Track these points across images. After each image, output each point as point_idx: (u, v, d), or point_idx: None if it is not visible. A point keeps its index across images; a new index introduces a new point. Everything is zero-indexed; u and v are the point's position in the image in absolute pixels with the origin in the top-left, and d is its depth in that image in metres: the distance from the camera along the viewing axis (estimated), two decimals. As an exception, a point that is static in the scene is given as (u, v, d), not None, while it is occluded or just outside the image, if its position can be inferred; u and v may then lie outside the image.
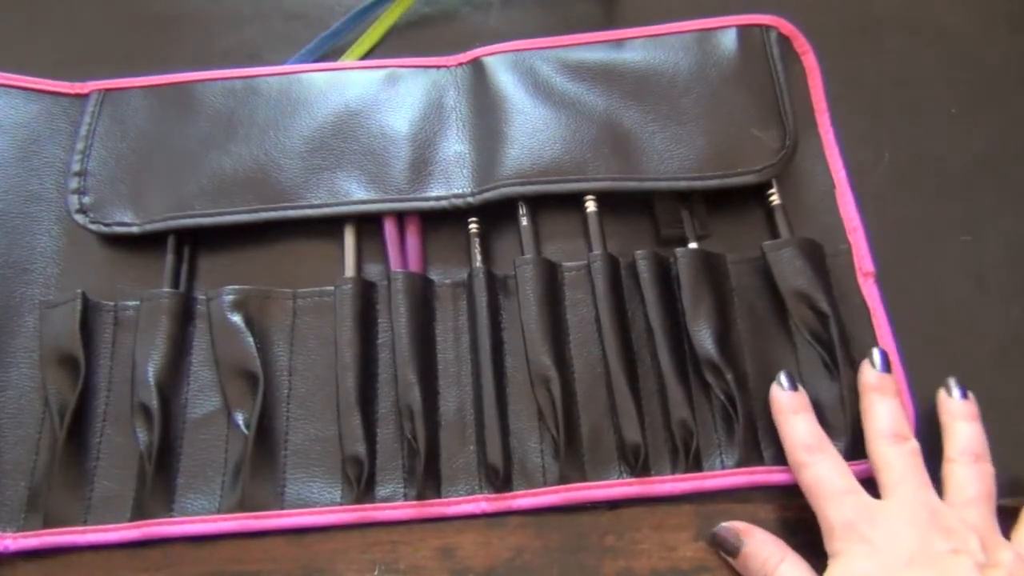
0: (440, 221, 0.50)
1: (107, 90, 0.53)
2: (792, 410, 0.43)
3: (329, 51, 0.57)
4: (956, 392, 0.43)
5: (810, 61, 0.53)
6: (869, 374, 0.43)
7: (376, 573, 0.42)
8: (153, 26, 0.57)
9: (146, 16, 0.58)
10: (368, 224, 0.50)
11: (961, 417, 0.42)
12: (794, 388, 0.43)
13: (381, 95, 0.52)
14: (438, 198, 0.49)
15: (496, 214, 0.50)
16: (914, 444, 0.41)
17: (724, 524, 0.42)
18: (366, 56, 0.57)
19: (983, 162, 0.51)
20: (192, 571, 0.43)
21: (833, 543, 0.39)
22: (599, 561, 0.43)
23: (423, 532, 0.43)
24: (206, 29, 0.56)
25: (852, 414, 0.43)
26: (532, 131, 0.50)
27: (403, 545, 0.43)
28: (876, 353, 0.43)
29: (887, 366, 0.43)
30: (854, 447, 0.43)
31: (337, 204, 0.49)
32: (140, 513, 0.43)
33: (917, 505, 0.39)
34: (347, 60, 0.56)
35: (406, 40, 0.57)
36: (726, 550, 0.42)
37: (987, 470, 0.40)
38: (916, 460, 0.40)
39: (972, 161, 0.51)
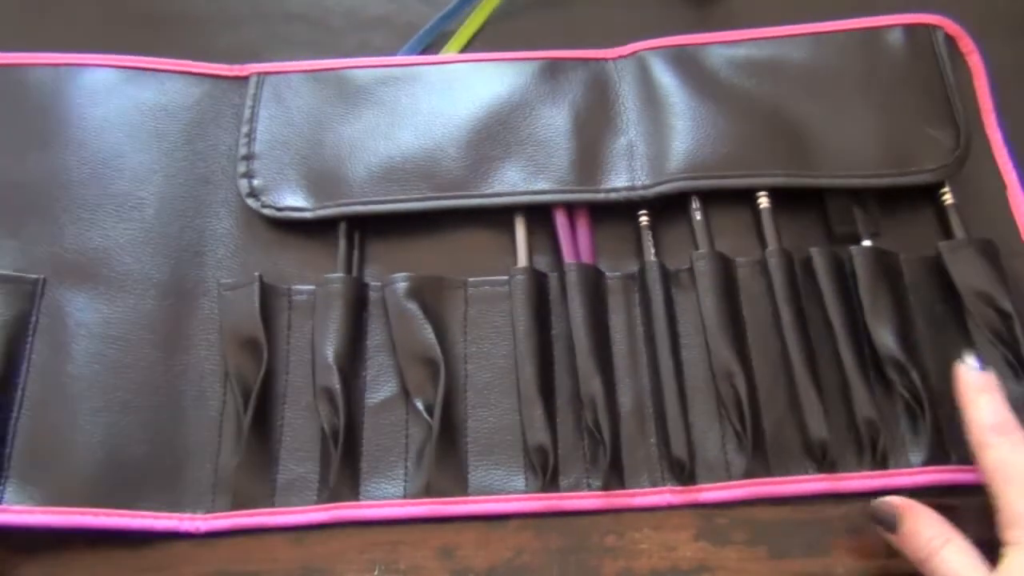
0: (605, 213, 0.50)
1: (266, 73, 0.53)
2: (979, 389, 0.40)
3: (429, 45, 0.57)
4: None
5: (975, 61, 0.53)
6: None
7: (376, 573, 0.42)
8: (153, 26, 0.56)
9: (146, 16, 0.57)
10: (534, 215, 0.50)
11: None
12: (984, 367, 0.41)
13: (543, 86, 0.52)
14: (611, 190, 0.49)
15: (663, 208, 0.50)
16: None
17: (882, 499, 0.41)
18: (465, 49, 0.57)
19: None
20: (192, 571, 0.42)
21: (1012, 531, 0.37)
22: (599, 561, 0.43)
23: (423, 532, 0.43)
24: (206, 29, 0.56)
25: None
26: (702, 125, 0.50)
27: (403, 545, 0.43)
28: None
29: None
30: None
31: (509, 194, 0.49)
32: (328, 496, 0.43)
33: None
34: (448, 53, 0.57)
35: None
36: (884, 526, 0.40)
37: None
38: None
39: None
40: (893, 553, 0.41)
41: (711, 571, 0.42)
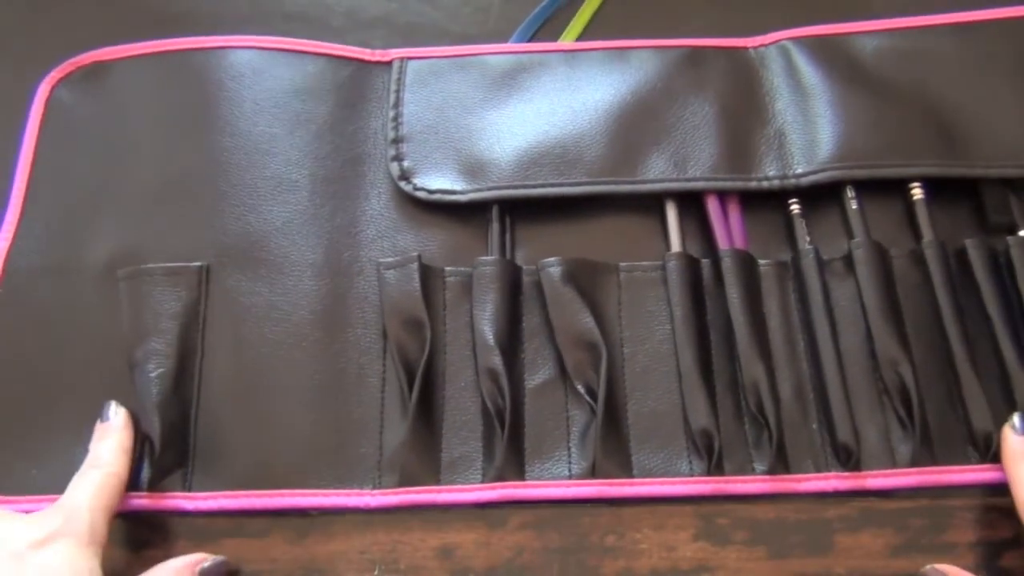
0: (752, 202, 0.50)
1: (408, 58, 0.54)
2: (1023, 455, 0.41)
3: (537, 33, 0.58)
4: None
5: (1120, 53, 0.53)
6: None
7: (376, 573, 0.42)
8: (153, 26, 0.56)
9: (146, 16, 0.58)
10: (682, 202, 0.50)
11: None
12: None
13: (686, 75, 0.52)
14: (764, 178, 0.49)
15: (813, 196, 0.50)
16: None
17: (931, 567, 0.41)
18: (581, 37, 0.57)
19: None
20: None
21: None
22: (599, 561, 0.43)
23: (423, 532, 0.43)
24: (206, 29, 0.56)
25: None
26: (852, 114, 0.50)
27: (403, 545, 0.43)
28: (1017, 419, 0.42)
29: None
30: None
31: (662, 180, 0.49)
32: (495, 475, 0.43)
33: None
34: (567, 37, 0.57)
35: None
36: None
37: None
38: None
39: None
40: (893, 553, 0.41)
41: (711, 571, 0.42)
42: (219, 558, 0.41)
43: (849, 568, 0.42)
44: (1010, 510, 0.40)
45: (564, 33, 0.57)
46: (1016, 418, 0.42)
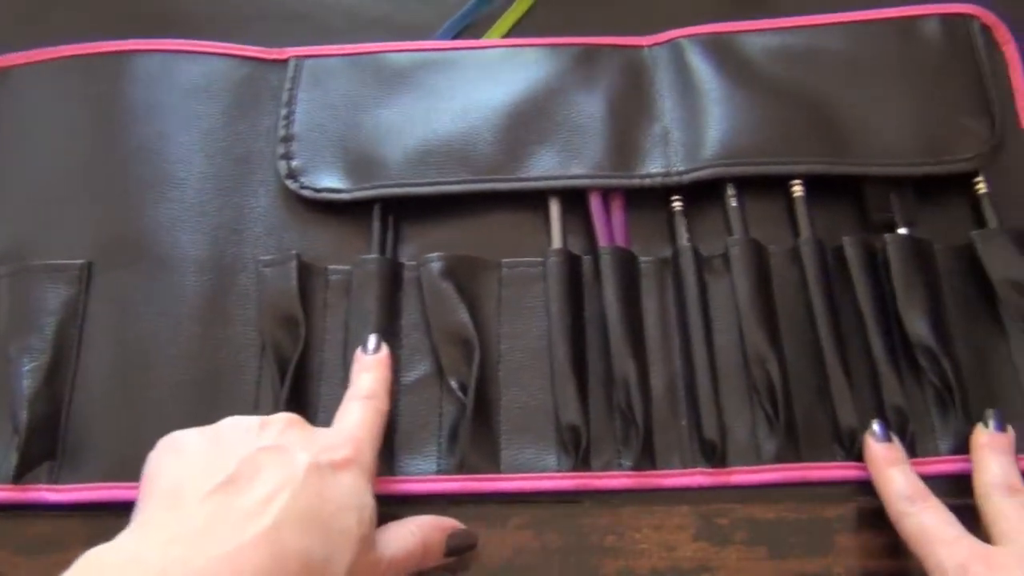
0: (639, 198, 0.50)
1: (304, 57, 0.54)
2: (888, 462, 0.41)
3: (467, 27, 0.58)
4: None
5: (1011, 51, 0.53)
6: (981, 434, 0.42)
7: None
8: (153, 26, 0.56)
9: (146, 16, 0.58)
10: (568, 199, 0.50)
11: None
12: (888, 439, 0.42)
13: (579, 72, 0.53)
14: (647, 176, 0.49)
15: (696, 194, 0.50)
16: None
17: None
18: (507, 36, 0.57)
19: None
20: None
21: None
22: (599, 561, 0.43)
23: None
24: (206, 29, 0.56)
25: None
26: (737, 112, 0.50)
27: None
28: (992, 415, 0.42)
29: (1002, 425, 0.42)
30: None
31: (546, 178, 0.49)
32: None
33: None
34: (490, 37, 0.57)
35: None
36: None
37: None
38: None
39: None
40: (893, 553, 0.41)
41: (711, 571, 0.42)
42: (468, 530, 0.41)
43: (849, 568, 0.42)
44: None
45: (489, 31, 0.57)
46: (875, 425, 0.43)
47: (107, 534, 0.41)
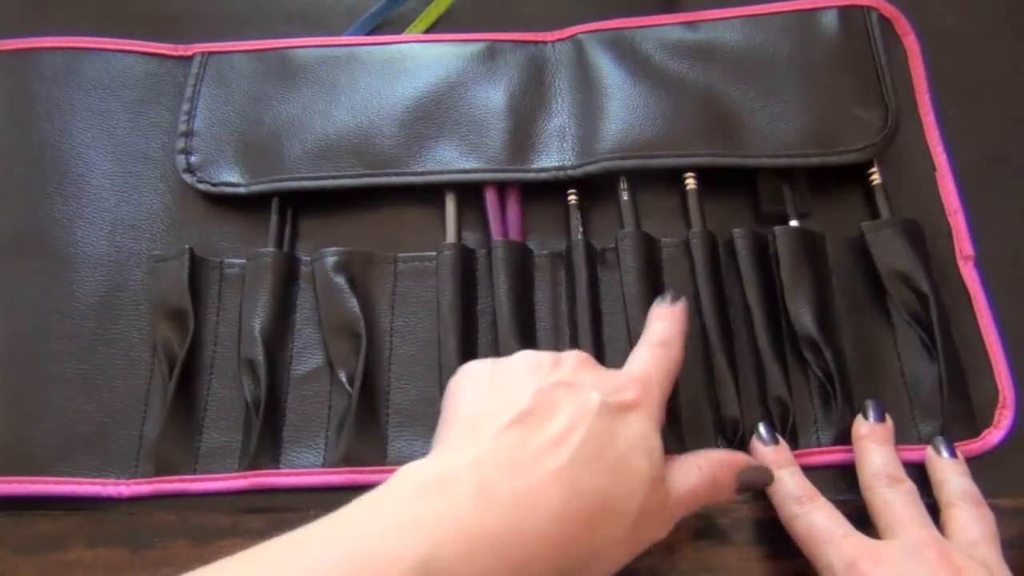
0: (538, 193, 0.51)
1: (210, 53, 0.54)
2: (776, 464, 0.41)
3: (383, 23, 0.58)
4: (945, 452, 0.42)
5: (911, 43, 0.53)
6: (861, 425, 0.42)
7: None
8: (153, 26, 0.57)
9: (146, 16, 0.58)
10: (468, 193, 0.51)
11: (952, 471, 0.41)
12: (775, 442, 0.43)
13: (481, 67, 0.53)
14: (540, 170, 0.50)
15: (595, 188, 0.50)
16: (911, 485, 0.40)
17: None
18: (430, 30, 0.57)
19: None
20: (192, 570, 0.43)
21: (895, 529, 0.38)
22: None
23: None
24: (206, 29, 0.57)
25: (949, 395, 0.43)
26: (633, 107, 0.50)
27: None
28: (870, 407, 0.43)
29: (880, 416, 0.42)
30: (951, 429, 0.43)
31: (440, 172, 0.50)
32: (248, 464, 0.44)
33: (922, 542, 0.37)
34: (410, 33, 0.57)
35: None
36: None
37: (989, 514, 0.39)
38: (915, 499, 0.39)
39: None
40: None
41: (711, 571, 0.42)
42: (761, 466, 0.40)
43: None
44: None
45: (408, 28, 0.57)
46: (761, 428, 0.43)
47: (108, 533, 0.43)
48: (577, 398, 0.35)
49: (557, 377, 0.36)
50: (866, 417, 0.43)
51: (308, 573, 0.29)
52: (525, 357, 0.38)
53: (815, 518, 0.39)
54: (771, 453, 0.42)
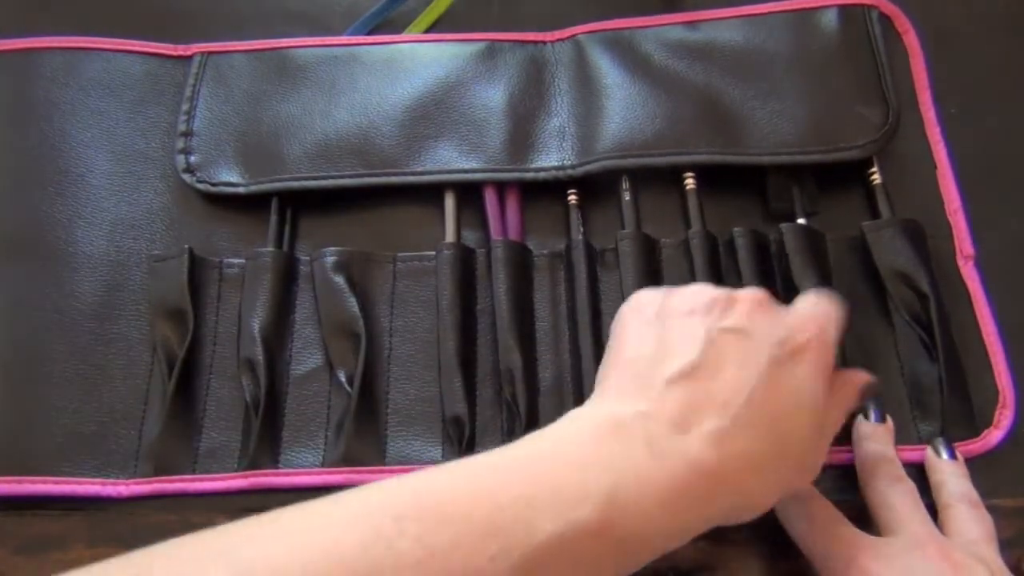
0: (538, 192, 0.51)
1: (209, 53, 0.54)
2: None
3: (384, 22, 0.58)
4: (944, 453, 0.42)
5: (911, 40, 0.53)
6: (862, 425, 0.42)
7: None
8: (153, 26, 0.57)
9: (146, 16, 0.58)
10: (467, 192, 0.51)
11: (951, 472, 0.41)
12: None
13: (480, 67, 0.53)
14: (539, 169, 0.49)
15: (595, 188, 0.50)
16: (910, 484, 0.40)
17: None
18: (431, 29, 0.57)
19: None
20: None
21: (895, 525, 0.38)
22: None
23: None
24: (206, 29, 0.57)
25: (949, 395, 0.43)
26: (633, 106, 0.50)
27: None
28: (871, 408, 0.43)
29: (881, 417, 0.42)
30: (950, 429, 0.43)
31: (439, 172, 0.50)
32: (247, 464, 0.44)
33: (922, 539, 0.37)
34: (410, 33, 0.57)
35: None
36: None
37: (987, 515, 0.39)
38: (915, 498, 0.39)
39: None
40: None
41: (711, 571, 0.42)
42: (876, 382, 0.39)
43: None
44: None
45: (409, 28, 0.57)
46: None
47: (108, 533, 0.43)
48: (747, 352, 0.34)
49: (729, 322, 0.35)
50: (867, 418, 0.43)
51: (506, 508, 0.29)
52: (699, 294, 0.36)
53: (814, 514, 0.39)
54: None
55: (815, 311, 0.37)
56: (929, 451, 0.43)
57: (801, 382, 0.34)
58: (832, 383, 0.36)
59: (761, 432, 0.33)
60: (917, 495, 0.40)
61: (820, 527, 0.39)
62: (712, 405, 0.33)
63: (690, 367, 0.34)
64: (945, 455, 0.42)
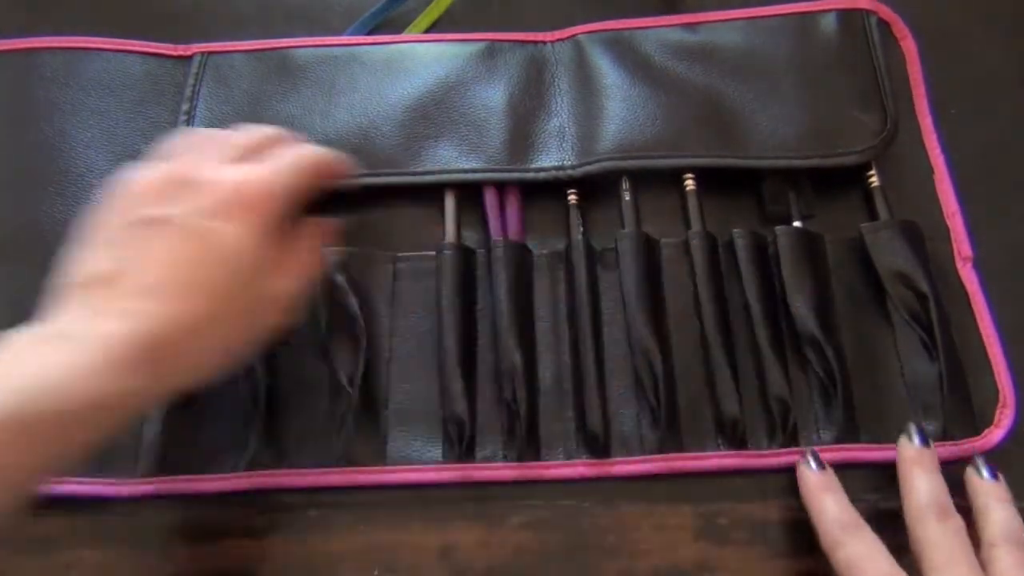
0: (539, 192, 0.51)
1: (209, 53, 0.54)
2: (822, 489, 0.41)
3: (383, 22, 0.58)
4: (985, 472, 0.41)
5: (909, 46, 0.53)
6: (907, 447, 0.41)
7: (376, 573, 0.42)
8: (153, 26, 0.57)
9: (146, 16, 0.58)
10: (467, 192, 0.51)
11: (996, 498, 0.40)
12: (822, 468, 0.42)
13: (480, 67, 0.53)
14: (539, 170, 0.50)
15: (595, 188, 0.50)
16: (959, 522, 0.38)
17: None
18: (431, 29, 0.57)
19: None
20: (192, 570, 0.43)
21: None
22: (599, 561, 0.42)
23: (423, 532, 0.43)
24: (206, 29, 0.57)
25: (949, 395, 0.44)
26: (633, 107, 0.50)
27: (403, 545, 0.43)
28: (913, 429, 0.42)
29: (925, 441, 0.41)
30: (950, 429, 0.43)
31: (440, 172, 0.50)
32: (248, 464, 0.44)
33: None
34: (410, 33, 0.57)
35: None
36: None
37: None
38: (963, 539, 0.38)
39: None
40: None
41: (711, 571, 0.42)
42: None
43: None
44: None
45: (408, 28, 0.57)
46: (809, 455, 0.42)
47: (108, 533, 0.43)
48: (167, 233, 0.37)
49: (147, 212, 0.38)
50: (909, 439, 0.41)
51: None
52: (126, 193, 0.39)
53: (859, 548, 0.38)
54: (816, 478, 0.41)
55: (253, 174, 0.39)
56: (969, 470, 0.41)
57: (227, 242, 0.37)
58: (286, 238, 0.40)
59: (180, 300, 0.36)
60: (965, 533, 0.38)
61: (865, 562, 0.38)
62: (127, 289, 0.35)
63: (107, 269, 0.36)
64: (986, 474, 0.41)
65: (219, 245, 0.37)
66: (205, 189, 0.38)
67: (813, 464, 0.42)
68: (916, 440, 0.41)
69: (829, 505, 0.40)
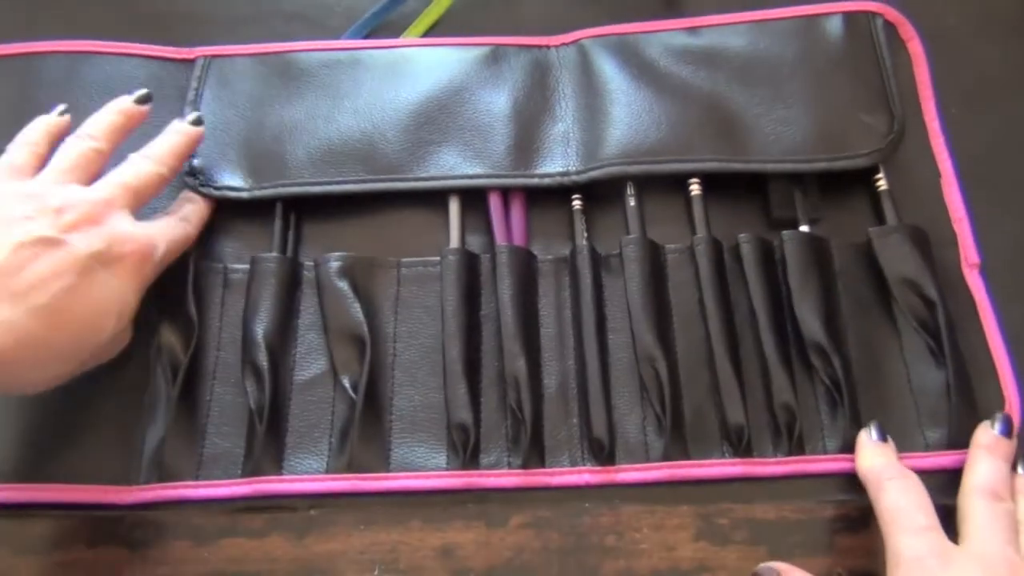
0: (543, 198, 0.50)
1: (212, 56, 0.54)
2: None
3: (379, 27, 0.57)
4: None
5: (915, 48, 0.53)
6: (984, 433, 0.42)
7: (376, 573, 0.42)
8: (153, 26, 0.57)
9: (146, 16, 0.58)
10: (471, 197, 0.50)
11: None
12: (884, 439, 0.42)
13: (484, 72, 0.53)
14: (544, 175, 0.49)
15: (599, 194, 0.50)
16: (1010, 506, 0.39)
17: (764, 564, 0.41)
18: (428, 33, 0.57)
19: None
20: (192, 570, 0.43)
21: (897, 574, 0.37)
22: (599, 561, 0.43)
23: (423, 532, 0.43)
24: (206, 29, 0.56)
25: (956, 401, 0.43)
26: (638, 112, 0.50)
27: (403, 545, 0.43)
28: (998, 417, 0.42)
29: (1008, 431, 0.41)
30: (957, 436, 0.43)
31: (444, 178, 0.49)
32: (251, 470, 0.44)
33: (999, 559, 0.36)
34: (410, 34, 0.57)
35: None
36: None
37: None
38: (1009, 520, 0.38)
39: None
40: None
41: (711, 571, 0.42)
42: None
43: (849, 568, 0.42)
44: None
45: (407, 31, 0.57)
46: (873, 428, 0.43)
47: (108, 533, 0.43)
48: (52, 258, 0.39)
49: (41, 232, 0.39)
50: (993, 425, 0.42)
51: None
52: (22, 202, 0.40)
53: (900, 498, 0.39)
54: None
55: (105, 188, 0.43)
56: (1019, 478, 0.41)
57: (109, 295, 0.40)
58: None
59: (25, 319, 0.37)
60: (1013, 519, 0.39)
61: (902, 513, 0.38)
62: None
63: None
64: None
65: (100, 296, 0.40)
66: (104, 231, 0.41)
67: (875, 434, 0.42)
68: (998, 428, 0.41)
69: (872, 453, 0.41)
